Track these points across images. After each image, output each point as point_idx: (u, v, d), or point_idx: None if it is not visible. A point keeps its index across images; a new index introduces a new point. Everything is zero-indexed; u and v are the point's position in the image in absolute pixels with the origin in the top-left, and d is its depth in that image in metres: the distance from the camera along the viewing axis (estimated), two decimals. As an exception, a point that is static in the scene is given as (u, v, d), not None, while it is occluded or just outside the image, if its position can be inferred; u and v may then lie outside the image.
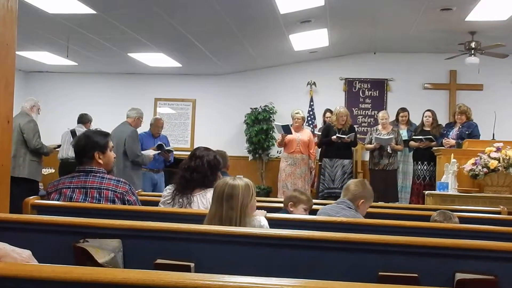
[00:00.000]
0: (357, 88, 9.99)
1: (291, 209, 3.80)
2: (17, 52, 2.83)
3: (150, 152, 6.89)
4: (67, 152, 7.72)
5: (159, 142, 7.19)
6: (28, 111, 6.45)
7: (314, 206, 3.82)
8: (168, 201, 3.43)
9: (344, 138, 7.58)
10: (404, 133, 8.20)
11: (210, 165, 3.42)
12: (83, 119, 8.23)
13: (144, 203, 3.62)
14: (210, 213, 2.70)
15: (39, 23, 6.69)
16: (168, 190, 3.50)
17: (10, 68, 2.66)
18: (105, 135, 3.38)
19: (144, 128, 7.43)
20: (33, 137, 6.22)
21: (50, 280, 1.48)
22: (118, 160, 6.45)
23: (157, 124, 7.46)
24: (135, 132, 6.74)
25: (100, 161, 3.26)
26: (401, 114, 8.51)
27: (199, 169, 3.39)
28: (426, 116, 7.83)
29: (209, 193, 3.32)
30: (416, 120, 8.43)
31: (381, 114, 8.12)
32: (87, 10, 6.03)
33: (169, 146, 7.45)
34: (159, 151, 7.07)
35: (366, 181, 3.87)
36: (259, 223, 2.73)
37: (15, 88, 2.72)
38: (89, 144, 3.23)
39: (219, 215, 2.63)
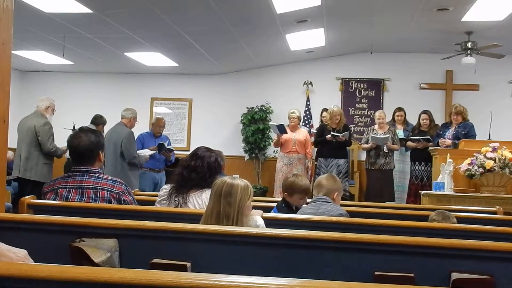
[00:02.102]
0: (353, 88, 9.99)
1: (287, 199, 3.69)
2: (13, 52, 2.82)
3: (146, 152, 6.90)
4: None
5: (159, 142, 7.19)
6: (43, 111, 6.36)
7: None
8: (164, 200, 3.42)
9: (338, 136, 7.58)
10: (400, 133, 8.22)
11: (210, 167, 3.38)
12: (97, 121, 7.96)
13: (141, 202, 3.62)
14: (207, 210, 2.70)
15: (35, 22, 6.66)
16: (165, 189, 3.49)
17: (6, 67, 2.65)
18: (100, 133, 3.40)
19: (143, 127, 7.41)
20: (47, 140, 6.18)
21: (46, 280, 1.48)
22: (116, 160, 6.49)
23: (158, 124, 7.46)
24: (131, 133, 6.74)
25: (102, 159, 3.30)
26: (397, 114, 8.54)
27: (198, 169, 3.36)
28: (423, 119, 7.85)
29: (204, 194, 3.31)
30: (412, 120, 8.45)
31: (378, 113, 8.13)
32: (83, 9, 6.02)
33: (170, 145, 7.43)
34: (157, 151, 7.07)
35: (334, 175, 4.04)
36: (255, 223, 2.73)
37: (11, 88, 2.71)
38: (94, 143, 3.23)
39: (216, 211, 2.63)
